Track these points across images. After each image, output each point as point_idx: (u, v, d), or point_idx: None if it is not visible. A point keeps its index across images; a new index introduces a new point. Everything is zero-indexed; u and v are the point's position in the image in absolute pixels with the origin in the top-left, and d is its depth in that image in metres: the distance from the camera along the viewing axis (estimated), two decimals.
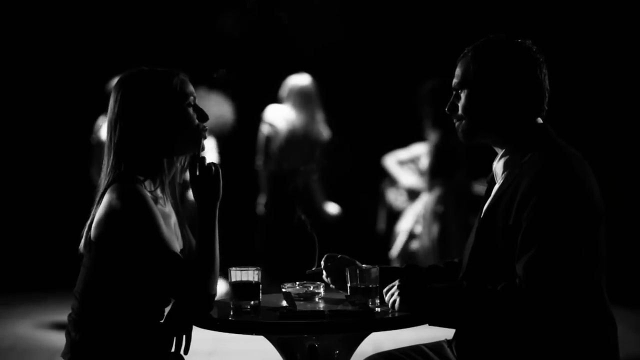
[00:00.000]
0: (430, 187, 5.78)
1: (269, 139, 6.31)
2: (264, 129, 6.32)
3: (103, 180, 2.34)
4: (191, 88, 2.39)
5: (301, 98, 6.31)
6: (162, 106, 2.33)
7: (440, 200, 5.71)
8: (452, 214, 5.75)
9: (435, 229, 5.67)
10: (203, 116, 2.38)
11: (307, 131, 6.28)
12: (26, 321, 6.26)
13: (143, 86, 2.34)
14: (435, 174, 5.77)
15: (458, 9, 7.52)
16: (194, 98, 2.39)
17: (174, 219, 2.39)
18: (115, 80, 2.43)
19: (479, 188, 6.09)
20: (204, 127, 2.39)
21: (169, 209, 2.39)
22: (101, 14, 7.72)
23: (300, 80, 6.36)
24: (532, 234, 2.11)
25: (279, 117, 6.35)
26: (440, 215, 5.66)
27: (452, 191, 5.78)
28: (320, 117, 6.35)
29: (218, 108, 6.22)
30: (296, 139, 6.26)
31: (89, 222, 2.32)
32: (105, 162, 2.35)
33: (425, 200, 5.75)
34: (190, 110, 2.37)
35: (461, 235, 5.60)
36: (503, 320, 2.12)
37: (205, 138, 2.38)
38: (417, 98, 5.96)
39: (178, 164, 2.42)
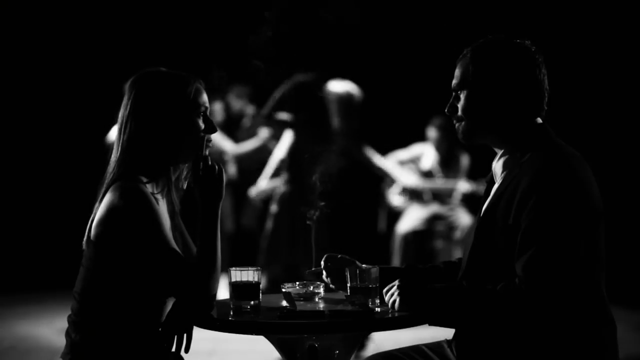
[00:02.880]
0: (284, 184, 5.52)
1: None
2: None
3: (107, 176, 2.34)
4: (205, 98, 2.39)
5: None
6: (171, 112, 2.33)
7: (280, 200, 5.50)
8: (287, 216, 5.50)
9: (268, 226, 5.56)
10: (211, 128, 2.38)
11: None
12: (26, 321, 6.26)
13: (157, 88, 2.34)
14: (288, 172, 5.50)
15: (458, 9, 7.52)
16: (206, 108, 2.39)
17: (169, 223, 2.39)
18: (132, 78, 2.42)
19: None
20: (209, 139, 2.39)
21: (167, 213, 2.39)
22: (119, 14, 7.73)
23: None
24: (531, 233, 2.12)
25: None
26: (274, 215, 5.49)
27: (294, 193, 5.50)
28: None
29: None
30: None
31: (91, 219, 2.32)
32: (112, 157, 2.36)
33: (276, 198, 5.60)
34: (199, 120, 2.37)
35: (292, 240, 5.37)
36: (503, 320, 2.13)
37: (208, 148, 2.38)
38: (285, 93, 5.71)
39: (185, 170, 2.42)
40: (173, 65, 2.47)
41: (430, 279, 2.44)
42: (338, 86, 5.85)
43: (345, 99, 5.79)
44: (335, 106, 5.71)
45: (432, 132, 6.94)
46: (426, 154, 7.00)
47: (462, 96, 2.31)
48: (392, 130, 7.43)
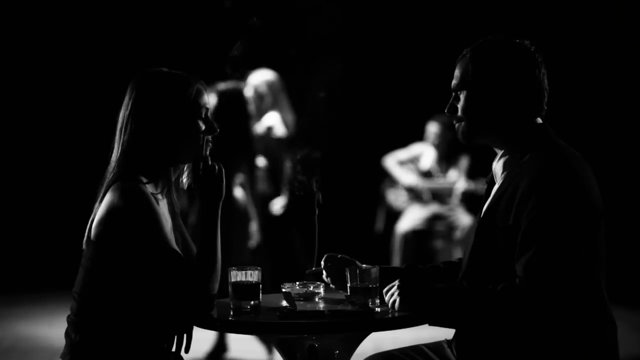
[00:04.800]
0: None
1: None
2: None
3: (107, 176, 2.34)
4: (206, 99, 2.39)
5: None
6: (172, 113, 2.33)
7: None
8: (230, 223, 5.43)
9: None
10: (211, 129, 2.38)
11: None
12: (26, 321, 6.26)
13: (158, 90, 2.34)
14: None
15: (458, 9, 7.52)
16: (207, 110, 2.39)
17: (170, 223, 2.39)
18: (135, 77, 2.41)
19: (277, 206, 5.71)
20: (209, 140, 2.39)
21: (167, 214, 2.39)
22: (119, 14, 7.72)
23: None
24: (531, 233, 2.12)
25: None
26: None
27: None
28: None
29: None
30: None
31: (91, 219, 2.32)
32: (113, 157, 2.35)
33: None
34: (200, 122, 2.37)
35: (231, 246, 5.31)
36: (503, 320, 2.13)
37: (208, 149, 2.38)
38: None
39: (186, 171, 2.43)
40: (174, 65, 2.47)
41: (430, 279, 2.44)
42: (261, 76, 5.79)
43: (272, 86, 5.75)
44: (264, 96, 5.67)
45: (432, 127, 6.92)
46: (426, 153, 7.00)
47: (462, 96, 2.31)
48: (392, 130, 7.43)
